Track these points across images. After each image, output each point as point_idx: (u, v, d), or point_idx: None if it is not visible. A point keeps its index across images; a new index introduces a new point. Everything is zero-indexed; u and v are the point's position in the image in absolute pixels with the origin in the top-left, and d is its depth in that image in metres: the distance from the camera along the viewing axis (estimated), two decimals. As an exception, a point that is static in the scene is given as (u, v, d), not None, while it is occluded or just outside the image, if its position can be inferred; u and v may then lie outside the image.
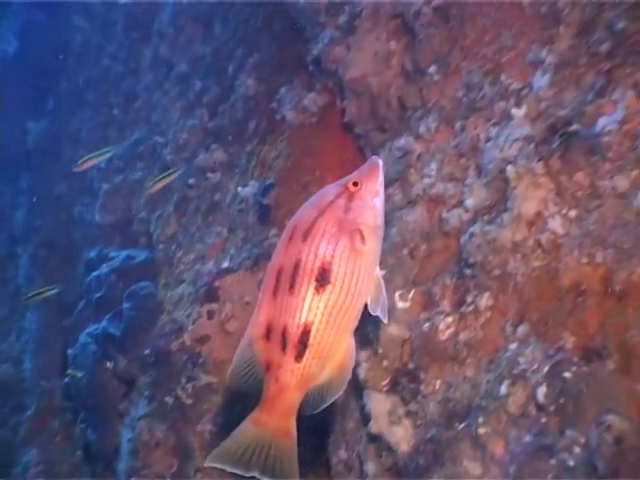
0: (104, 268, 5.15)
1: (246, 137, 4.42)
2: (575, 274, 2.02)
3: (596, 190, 2.06)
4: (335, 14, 3.49)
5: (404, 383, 2.50)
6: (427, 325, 2.45)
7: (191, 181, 4.83)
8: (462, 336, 2.33)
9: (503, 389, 2.04)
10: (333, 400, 1.82)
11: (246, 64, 4.53)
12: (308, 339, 1.76)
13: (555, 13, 2.52)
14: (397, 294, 2.61)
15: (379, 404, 2.56)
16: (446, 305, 2.46)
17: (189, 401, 3.78)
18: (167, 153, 5.24)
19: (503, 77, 2.66)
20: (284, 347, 1.76)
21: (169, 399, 3.85)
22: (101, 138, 6.71)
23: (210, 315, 3.90)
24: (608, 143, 2.05)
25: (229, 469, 1.78)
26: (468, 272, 2.37)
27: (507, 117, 2.53)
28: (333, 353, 1.79)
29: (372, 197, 1.83)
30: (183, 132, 5.12)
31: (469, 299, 2.36)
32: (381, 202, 1.85)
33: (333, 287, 1.76)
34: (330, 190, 1.84)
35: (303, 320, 1.75)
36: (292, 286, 1.76)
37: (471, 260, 2.35)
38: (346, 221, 1.79)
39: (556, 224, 2.13)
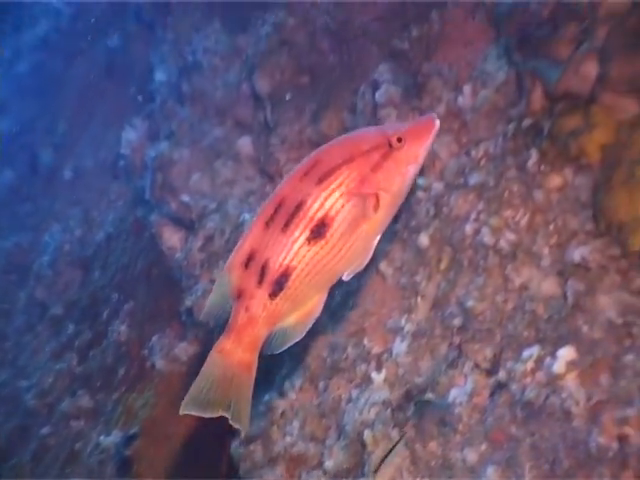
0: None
1: (114, 384, 4.32)
2: None
3: (448, 461, 2.09)
4: (209, 268, 3.60)
5: None
6: None
7: (52, 428, 4.60)
8: None
9: None
10: (292, 344, 1.76)
11: (121, 310, 4.53)
12: (286, 282, 1.68)
13: (414, 285, 2.69)
14: None
15: None
16: None
17: None
18: (30, 398, 5.01)
19: (366, 341, 2.76)
20: (261, 281, 1.68)
21: None
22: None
23: None
24: (458, 415, 2.12)
25: (202, 414, 1.69)
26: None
27: (368, 380, 2.59)
28: (306, 300, 1.73)
29: (409, 162, 1.69)
30: (50, 376, 4.95)
31: None
32: (416, 170, 1.71)
33: (325, 243, 1.66)
34: (370, 137, 1.70)
35: (286, 262, 1.67)
36: (287, 225, 1.66)
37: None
38: (369, 181, 1.66)
39: (410, 493, 2.14)
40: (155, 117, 4.44)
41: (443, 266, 2.62)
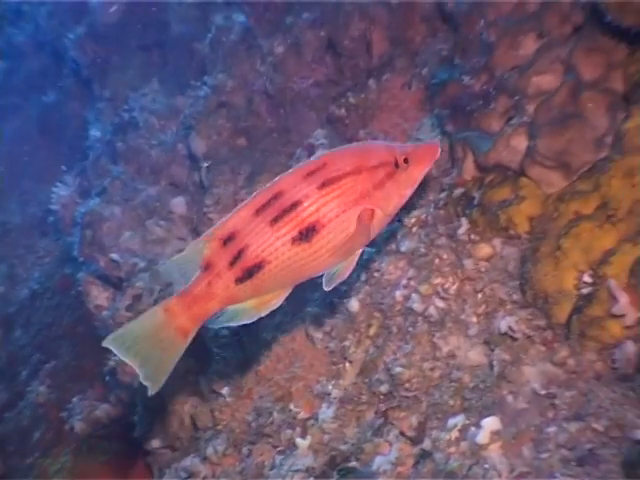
0: None
1: (29, 448, 4.14)
2: None
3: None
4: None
5: None
6: None
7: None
8: None
9: None
10: (237, 325, 1.81)
11: (41, 370, 4.38)
12: (257, 273, 1.69)
13: (342, 350, 2.66)
14: None
15: None
16: None
17: None
18: None
19: (292, 405, 2.71)
20: (233, 263, 1.70)
21: None
22: None
23: None
24: (382, 484, 2.08)
25: (120, 355, 1.70)
26: None
27: (292, 446, 2.54)
28: (268, 292, 1.75)
29: (408, 185, 1.74)
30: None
31: None
32: (411, 192, 1.76)
33: (309, 247, 1.67)
34: (379, 153, 1.73)
35: (265, 254, 1.68)
36: (276, 220, 1.66)
37: None
38: (369, 197, 1.69)
39: None
40: (87, 174, 4.39)
41: (372, 332, 2.60)
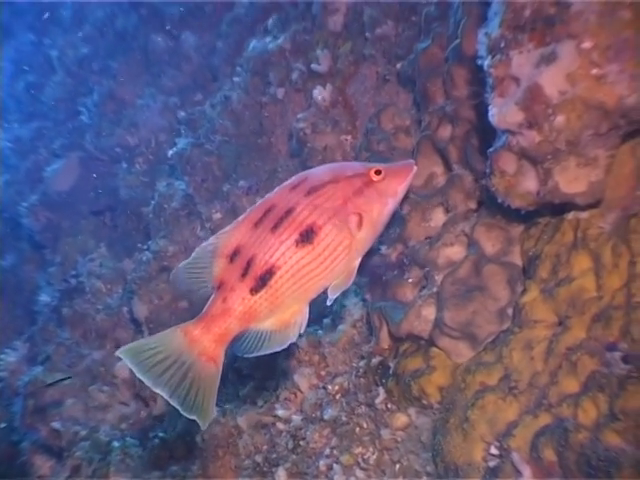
0: None
1: None
2: None
3: None
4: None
5: None
6: None
7: None
8: None
9: None
10: (266, 353, 1.74)
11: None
12: (270, 279, 1.69)
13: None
14: None
15: None
16: None
17: None
18: None
19: None
20: (244, 274, 1.69)
21: None
22: None
23: None
24: None
25: (136, 372, 1.64)
26: None
27: None
28: (285, 308, 1.73)
29: (387, 195, 1.75)
30: None
31: None
32: (394, 204, 1.76)
33: (312, 249, 1.68)
34: (353, 167, 1.78)
35: (273, 260, 1.68)
36: (276, 227, 1.68)
37: None
38: (352, 202, 1.72)
39: None
40: (36, 339, 4.39)
41: (298, 504, 2.58)
